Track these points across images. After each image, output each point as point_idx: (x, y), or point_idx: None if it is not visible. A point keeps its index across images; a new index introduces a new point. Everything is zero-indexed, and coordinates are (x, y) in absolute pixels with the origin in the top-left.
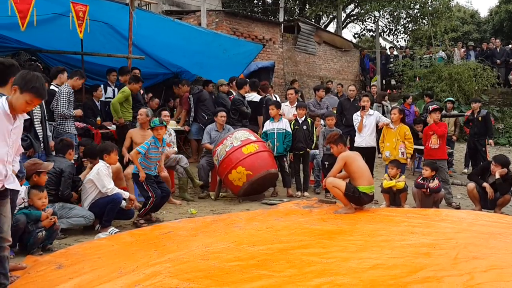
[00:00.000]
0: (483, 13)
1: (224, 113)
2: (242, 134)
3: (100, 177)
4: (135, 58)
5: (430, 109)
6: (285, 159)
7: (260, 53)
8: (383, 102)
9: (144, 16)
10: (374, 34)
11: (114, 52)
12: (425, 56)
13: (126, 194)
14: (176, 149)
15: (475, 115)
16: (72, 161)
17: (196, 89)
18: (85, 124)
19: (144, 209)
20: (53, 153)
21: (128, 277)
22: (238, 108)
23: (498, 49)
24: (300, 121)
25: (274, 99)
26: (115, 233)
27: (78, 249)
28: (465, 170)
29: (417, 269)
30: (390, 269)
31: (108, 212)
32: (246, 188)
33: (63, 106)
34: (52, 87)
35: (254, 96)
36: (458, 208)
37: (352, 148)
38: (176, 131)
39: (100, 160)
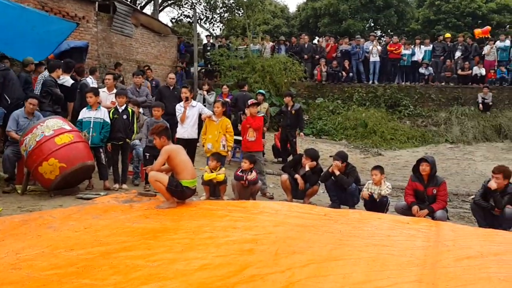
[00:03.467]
0: (292, 8)
1: (34, 100)
2: (54, 123)
3: None
4: None
5: (249, 103)
6: (101, 150)
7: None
8: (204, 92)
9: None
10: (191, 21)
11: None
12: (240, 47)
13: None
14: None
15: (288, 108)
16: None
17: (2, 66)
18: None
19: None
20: None
21: None
22: (50, 90)
23: (306, 45)
24: (120, 110)
25: (91, 84)
26: None
27: None
28: (275, 160)
29: (242, 267)
30: (217, 269)
31: None
32: (59, 182)
33: None
34: None
35: (66, 80)
36: (271, 198)
37: (173, 139)
38: None
39: None
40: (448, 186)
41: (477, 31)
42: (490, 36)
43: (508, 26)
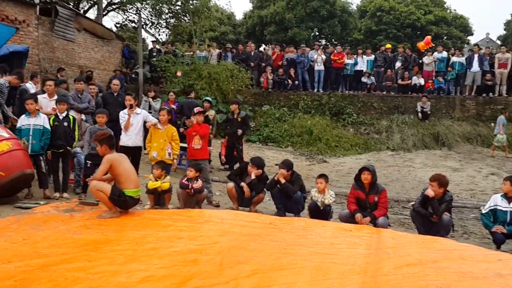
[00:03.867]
0: (239, 16)
1: None
2: None
3: None
4: None
5: (195, 111)
6: (41, 158)
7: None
8: (149, 99)
9: None
10: (136, 26)
11: None
12: (187, 53)
13: None
14: None
15: (235, 116)
16: None
17: None
18: None
19: None
20: None
21: None
22: None
23: (252, 53)
24: (61, 117)
25: (32, 89)
26: None
27: None
28: (222, 167)
29: (186, 279)
30: (160, 281)
31: None
32: None
33: None
34: None
35: None
36: (217, 206)
37: (117, 147)
38: None
39: None
40: (389, 193)
41: (421, 44)
42: (433, 45)
43: (445, 37)
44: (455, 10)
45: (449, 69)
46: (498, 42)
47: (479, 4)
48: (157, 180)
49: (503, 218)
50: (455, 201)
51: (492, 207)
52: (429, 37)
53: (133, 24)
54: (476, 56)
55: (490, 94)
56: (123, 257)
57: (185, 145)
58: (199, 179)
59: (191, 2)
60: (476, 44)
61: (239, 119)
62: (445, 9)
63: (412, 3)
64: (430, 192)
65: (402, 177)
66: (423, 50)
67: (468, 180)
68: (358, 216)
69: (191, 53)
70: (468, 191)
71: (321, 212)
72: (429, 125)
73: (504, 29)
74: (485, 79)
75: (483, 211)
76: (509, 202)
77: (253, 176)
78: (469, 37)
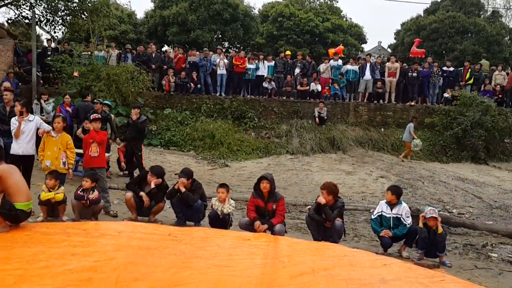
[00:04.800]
0: (140, 14)
1: None
2: None
3: None
4: None
5: (91, 118)
6: None
7: None
8: (41, 101)
9: None
10: (30, 22)
11: None
12: (84, 53)
13: None
14: None
15: (135, 120)
16: None
17: None
18: None
19: None
20: None
21: None
22: None
23: (153, 54)
24: None
25: None
26: None
27: None
28: (121, 173)
29: None
30: None
31: None
32: None
33: None
34: None
35: None
36: (115, 216)
37: (8, 156)
38: None
39: None
40: (287, 197)
41: (331, 50)
42: (343, 55)
43: (341, 44)
44: (350, 18)
45: (339, 76)
46: (389, 50)
47: (372, 13)
48: (50, 191)
49: (387, 223)
50: (347, 204)
51: (379, 213)
52: (342, 47)
53: (27, 21)
54: (368, 64)
55: (381, 101)
56: (13, 277)
57: (81, 151)
58: (95, 190)
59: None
60: (368, 54)
61: (139, 124)
62: (342, 17)
63: (311, 10)
64: (321, 200)
65: (300, 181)
66: (332, 57)
67: (360, 183)
68: (257, 223)
69: (89, 53)
70: (360, 194)
71: (221, 221)
72: (326, 130)
73: (394, 38)
74: (376, 87)
75: (372, 217)
76: (391, 209)
77: (152, 185)
78: (363, 45)
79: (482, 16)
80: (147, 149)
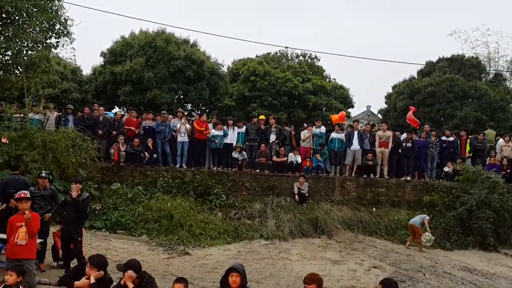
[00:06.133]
0: (86, 70)
1: None
2: None
3: None
4: None
5: (16, 196)
6: None
7: None
8: None
9: None
10: None
11: None
12: (16, 115)
13: None
14: None
15: (74, 198)
16: None
17: None
18: None
19: None
20: None
21: None
22: None
23: (101, 118)
24: None
25: None
26: None
27: None
28: (55, 264)
29: None
30: None
31: None
32: None
33: None
34: None
35: None
36: None
37: None
38: None
39: None
40: None
41: (334, 117)
42: (345, 122)
43: (324, 108)
44: (334, 79)
45: (319, 147)
46: (380, 116)
47: (359, 75)
48: None
49: None
50: None
51: None
52: (344, 113)
53: None
54: (355, 132)
55: (371, 175)
56: None
57: (4, 236)
58: (20, 286)
59: (25, 52)
60: (356, 120)
61: (80, 203)
62: (324, 77)
63: (288, 69)
64: None
65: (277, 272)
66: (336, 123)
67: (349, 274)
68: None
69: (22, 115)
70: None
71: None
72: (307, 209)
73: (385, 102)
74: (365, 159)
75: None
76: None
77: (92, 280)
78: (349, 109)
79: (483, 79)
80: (88, 233)
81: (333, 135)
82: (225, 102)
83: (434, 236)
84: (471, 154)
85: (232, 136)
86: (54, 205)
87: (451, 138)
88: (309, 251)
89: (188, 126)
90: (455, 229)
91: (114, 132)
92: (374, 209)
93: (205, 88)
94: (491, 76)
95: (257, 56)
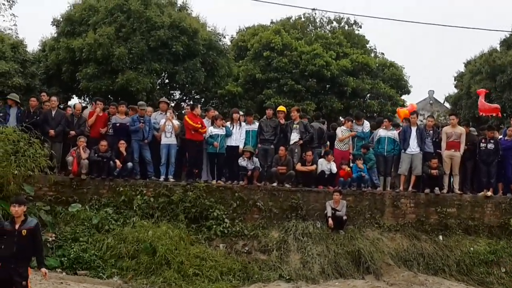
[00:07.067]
0: (33, 45)
1: None
2: None
3: None
4: None
5: None
6: None
7: None
8: None
9: None
10: None
11: None
12: None
13: None
14: None
15: (16, 226)
16: None
17: None
18: None
19: None
20: None
21: None
22: None
23: (54, 112)
24: None
25: None
26: None
27: None
28: None
29: None
30: None
31: None
32: None
33: None
34: None
35: None
36: None
37: None
38: None
39: None
40: None
41: (403, 111)
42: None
43: (368, 94)
44: (382, 54)
45: (362, 150)
46: (447, 105)
47: (418, 48)
48: None
49: None
50: None
51: None
52: (414, 105)
53: None
54: (413, 129)
55: (436, 189)
56: None
57: None
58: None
59: None
60: (414, 112)
61: (24, 232)
62: (368, 51)
63: (317, 40)
64: None
65: None
66: (403, 120)
67: None
68: None
69: None
70: None
71: None
72: (346, 239)
73: (455, 86)
74: (428, 166)
75: None
76: None
77: None
78: (403, 96)
79: None
80: (37, 275)
81: (381, 133)
82: (228, 88)
83: None
84: None
85: (239, 136)
86: None
87: None
88: None
89: (176, 122)
90: None
91: (73, 132)
92: (440, 237)
93: (200, 68)
94: None
95: (272, 23)
